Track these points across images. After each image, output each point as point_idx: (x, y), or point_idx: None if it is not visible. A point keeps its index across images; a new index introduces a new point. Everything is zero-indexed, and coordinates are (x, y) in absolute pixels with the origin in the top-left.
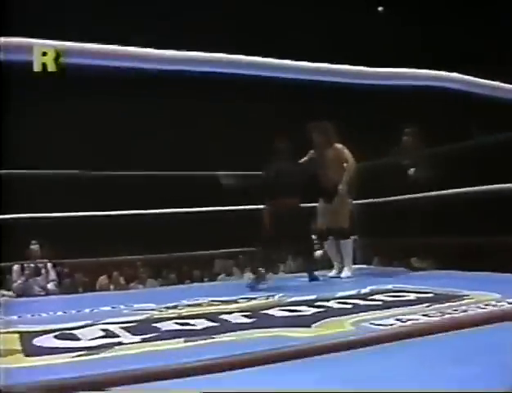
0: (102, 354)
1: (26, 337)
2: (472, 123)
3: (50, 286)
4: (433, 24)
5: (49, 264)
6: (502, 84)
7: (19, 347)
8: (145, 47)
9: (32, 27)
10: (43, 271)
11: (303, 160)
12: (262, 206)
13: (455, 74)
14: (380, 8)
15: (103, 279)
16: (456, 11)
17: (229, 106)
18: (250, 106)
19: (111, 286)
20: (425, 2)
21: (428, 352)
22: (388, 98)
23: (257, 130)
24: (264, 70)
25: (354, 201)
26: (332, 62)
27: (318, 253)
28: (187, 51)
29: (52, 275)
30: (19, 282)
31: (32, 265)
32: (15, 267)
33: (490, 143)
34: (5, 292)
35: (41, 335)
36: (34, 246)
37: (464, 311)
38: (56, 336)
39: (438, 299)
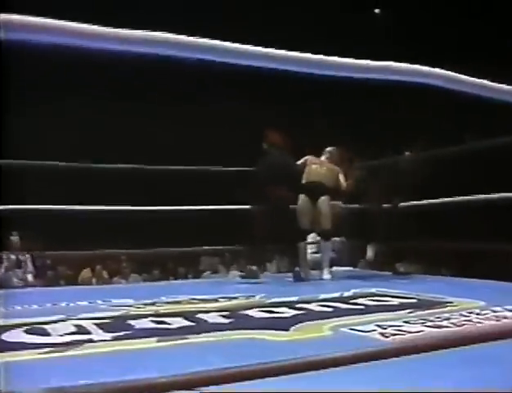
0: (70, 352)
1: None
2: (465, 127)
3: (28, 278)
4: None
5: (27, 256)
6: (488, 83)
7: None
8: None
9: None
10: (23, 263)
11: (299, 162)
12: (250, 204)
13: (437, 70)
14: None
15: (86, 272)
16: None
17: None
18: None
19: (94, 280)
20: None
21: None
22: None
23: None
24: (260, 61)
25: (345, 204)
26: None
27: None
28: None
29: (30, 267)
30: None
31: (12, 257)
32: None
33: (482, 148)
34: None
35: (11, 329)
36: (14, 238)
37: (447, 319)
38: (25, 331)
39: (421, 305)
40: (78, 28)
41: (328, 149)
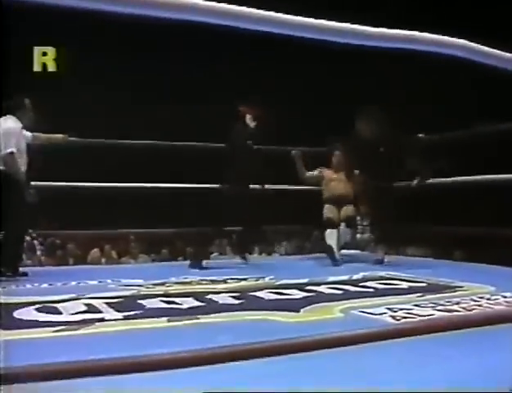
0: (82, 331)
1: (6, 309)
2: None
3: (38, 257)
4: None
5: (34, 235)
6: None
7: None
8: None
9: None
10: (33, 243)
11: (310, 173)
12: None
13: (462, 41)
14: None
15: (95, 252)
16: None
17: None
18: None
19: (103, 260)
20: None
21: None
22: None
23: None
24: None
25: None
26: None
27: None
28: None
29: (39, 246)
30: None
31: None
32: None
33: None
34: None
35: (22, 307)
36: None
37: (457, 303)
38: (37, 309)
39: (431, 289)
40: None
41: (336, 154)
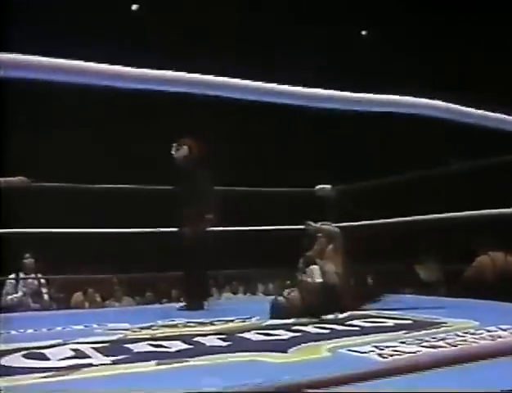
0: (71, 376)
1: None
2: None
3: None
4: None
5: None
6: (488, 113)
7: None
8: None
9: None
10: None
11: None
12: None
13: (438, 102)
14: (364, 32)
15: (78, 296)
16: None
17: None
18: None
19: (86, 304)
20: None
21: None
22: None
23: None
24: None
25: None
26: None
27: None
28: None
29: (45, 290)
30: (17, 295)
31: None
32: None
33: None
34: None
35: (9, 354)
36: (28, 260)
37: (443, 339)
38: (24, 356)
39: (416, 326)
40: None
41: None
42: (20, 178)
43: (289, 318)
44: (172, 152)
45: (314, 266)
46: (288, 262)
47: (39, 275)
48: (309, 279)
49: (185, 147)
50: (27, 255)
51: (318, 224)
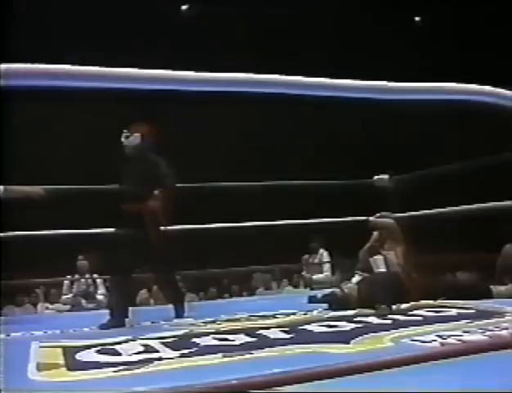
0: (142, 370)
1: (69, 352)
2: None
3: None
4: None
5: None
6: None
7: (62, 361)
8: None
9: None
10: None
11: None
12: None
13: (489, 88)
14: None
15: (143, 293)
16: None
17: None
18: None
19: (151, 301)
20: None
21: None
22: None
23: None
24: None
25: None
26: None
27: None
28: None
29: (101, 289)
30: (69, 295)
31: (82, 280)
32: (66, 281)
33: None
34: (50, 306)
35: (83, 350)
36: (82, 262)
37: (506, 328)
38: (97, 351)
39: (480, 315)
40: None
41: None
42: (38, 188)
43: (348, 309)
44: (123, 140)
45: (378, 256)
46: (353, 253)
47: (95, 275)
48: (374, 269)
49: (136, 135)
50: (80, 257)
51: (377, 216)
